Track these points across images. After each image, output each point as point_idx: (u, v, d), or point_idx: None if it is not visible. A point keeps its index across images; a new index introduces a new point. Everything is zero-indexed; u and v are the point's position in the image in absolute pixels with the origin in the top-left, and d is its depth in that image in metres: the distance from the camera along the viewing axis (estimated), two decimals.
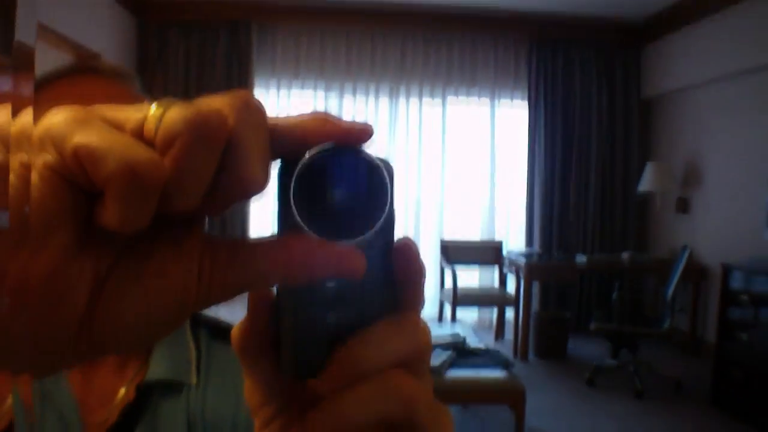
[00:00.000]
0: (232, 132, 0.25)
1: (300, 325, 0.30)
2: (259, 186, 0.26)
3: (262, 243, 0.27)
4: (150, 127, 0.25)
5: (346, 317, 0.30)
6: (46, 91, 0.77)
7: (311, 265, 0.27)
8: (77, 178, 0.24)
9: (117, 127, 0.25)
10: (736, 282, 4.33)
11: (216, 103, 0.26)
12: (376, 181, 0.28)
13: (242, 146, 0.26)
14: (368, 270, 0.28)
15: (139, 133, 0.25)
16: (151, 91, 0.82)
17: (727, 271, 4.44)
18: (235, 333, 0.32)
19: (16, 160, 0.24)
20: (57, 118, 0.25)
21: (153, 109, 0.25)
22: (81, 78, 0.80)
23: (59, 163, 0.24)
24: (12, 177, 0.24)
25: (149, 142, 0.24)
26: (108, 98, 0.77)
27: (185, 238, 0.27)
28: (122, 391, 0.73)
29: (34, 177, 0.24)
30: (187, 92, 6.17)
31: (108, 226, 0.24)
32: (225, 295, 0.28)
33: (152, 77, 6.14)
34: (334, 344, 0.30)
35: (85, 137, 0.24)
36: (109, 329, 0.26)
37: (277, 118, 0.28)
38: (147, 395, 0.74)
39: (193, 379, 0.77)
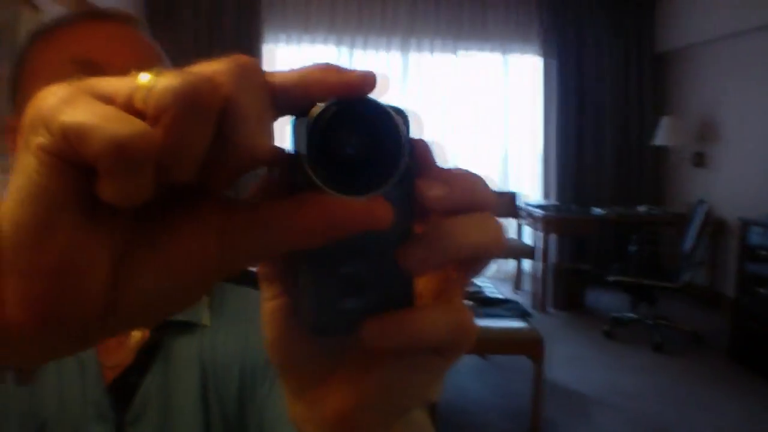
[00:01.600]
0: (227, 98, 0.24)
1: (318, 280, 0.29)
2: (261, 151, 0.25)
3: (283, 204, 0.26)
4: (140, 97, 0.23)
5: (368, 269, 0.29)
6: (50, 40, 0.75)
7: (334, 224, 0.26)
8: (72, 158, 0.23)
9: (107, 100, 0.24)
10: (755, 237, 4.35)
11: (209, 69, 0.25)
12: (390, 129, 0.26)
13: (238, 111, 0.24)
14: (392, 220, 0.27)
15: (129, 105, 0.24)
16: (160, 46, 0.80)
17: (745, 226, 4.45)
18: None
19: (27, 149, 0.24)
20: (46, 98, 0.24)
21: (143, 79, 0.24)
22: (84, 24, 0.77)
23: (51, 143, 0.23)
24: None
25: (140, 114, 0.23)
26: (110, 40, 0.75)
27: (202, 205, 0.26)
28: (137, 331, 0.75)
29: (31, 160, 0.23)
30: (196, 46, 6.08)
31: (109, 202, 0.23)
32: (248, 260, 0.27)
33: (161, 32, 6.04)
34: (354, 298, 0.29)
35: (72, 115, 0.23)
36: (135, 302, 0.25)
37: (278, 73, 0.27)
38: (161, 335, 0.75)
39: (206, 321, 0.78)
